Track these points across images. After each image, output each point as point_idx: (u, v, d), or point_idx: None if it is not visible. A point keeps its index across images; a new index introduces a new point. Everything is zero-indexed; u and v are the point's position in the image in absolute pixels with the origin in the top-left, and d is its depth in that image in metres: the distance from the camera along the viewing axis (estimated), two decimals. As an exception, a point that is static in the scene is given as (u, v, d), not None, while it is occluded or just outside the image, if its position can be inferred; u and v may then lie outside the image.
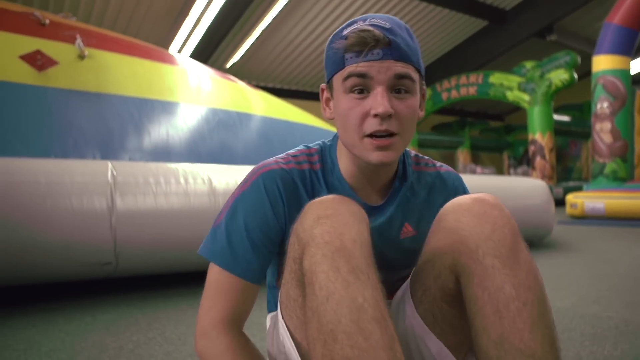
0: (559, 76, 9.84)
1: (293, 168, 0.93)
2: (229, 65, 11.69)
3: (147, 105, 3.76)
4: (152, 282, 2.75)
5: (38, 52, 3.34)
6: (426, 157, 1.08)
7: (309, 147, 1.00)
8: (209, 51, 10.65)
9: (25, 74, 3.24)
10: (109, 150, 3.35)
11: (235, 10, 9.06)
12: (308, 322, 0.72)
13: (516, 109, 16.62)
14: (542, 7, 10.50)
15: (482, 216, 0.80)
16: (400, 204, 0.99)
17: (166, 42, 10.37)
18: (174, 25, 9.86)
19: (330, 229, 0.74)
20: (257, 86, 11.07)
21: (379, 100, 0.80)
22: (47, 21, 3.63)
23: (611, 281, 2.62)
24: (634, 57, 7.62)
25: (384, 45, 0.80)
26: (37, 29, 3.54)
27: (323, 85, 0.94)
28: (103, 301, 2.37)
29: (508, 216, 0.81)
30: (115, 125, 3.48)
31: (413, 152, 1.06)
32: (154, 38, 9.80)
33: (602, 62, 7.27)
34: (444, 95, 12.32)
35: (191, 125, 3.93)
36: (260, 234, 0.88)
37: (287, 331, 0.86)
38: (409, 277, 0.95)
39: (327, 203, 0.78)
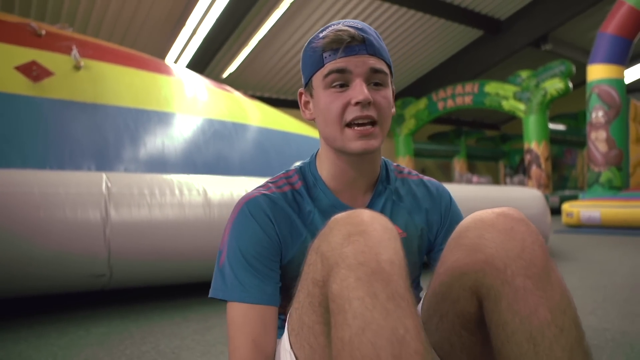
0: (554, 85, 9.89)
1: (275, 192, 0.94)
2: (225, 75, 11.71)
3: (143, 115, 3.76)
4: (146, 294, 2.73)
5: (34, 63, 3.34)
6: (408, 168, 1.09)
7: (287, 171, 1.01)
8: (205, 61, 10.66)
9: (20, 85, 3.24)
10: (105, 161, 3.34)
11: (231, 21, 9.09)
12: (337, 356, 0.64)
13: (512, 118, 16.69)
14: (537, 17, 10.58)
15: (509, 232, 0.74)
16: (386, 206, 0.99)
17: (163, 52, 10.38)
18: (171, 35, 9.88)
19: (365, 248, 0.66)
20: (254, 96, 11.08)
21: (358, 89, 0.85)
22: (43, 32, 3.64)
23: (607, 292, 2.61)
24: (628, 66, 7.66)
25: (359, 41, 0.86)
26: (33, 39, 3.54)
27: (301, 89, 0.98)
28: (96, 314, 2.35)
29: (536, 232, 0.76)
30: (111, 136, 3.48)
31: (395, 163, 1.08)
32: (151, 48, 9.82)
33: (596, 72, 7.31)
34: (440, 105, 12.35)
35: (187, 136, 3.93)
36: (258, 256, 0.87)
37: None
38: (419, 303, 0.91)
39: (357, 218, 0.71)
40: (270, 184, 0.96)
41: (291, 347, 0.80)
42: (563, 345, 0.68)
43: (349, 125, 0.87)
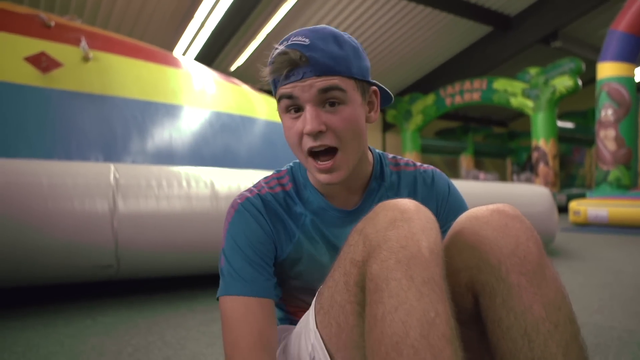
0: (563, 83, 9.82)
1: (267, 193, 0.94)
2: (233, 68, 11.71)
3: (151, 108, 3.77)
4: (153, 285, 2.74)
5: (43, 54, 3.35)
6: (405, 158, 1.06)
7: (279, 171, 1.00)
8: (213, 54, 10.67)
9: (29, 76, 3.25)
10: (112, 152, 3.36)
11: (240, 14, 9.08)
12: (369, 332, 0.67)
13: (520, 115, 16.60)
14: (547, 13, 10.48)
15: (503, 229, 0.75)
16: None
17: (171, 45, 10.39)
18: (179, 28, 9.89)
19: (408, 234, 0.69)
20: (261, 90, 11.09)
21: (307, 119, 0.80)
22: (53, 23, 3.64)
23: (614, 290, 2.60)
24: (638, 64, 7.60)
25: (303, 63, 0.79)
26: (42, 30, 3.55)
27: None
28: (103, 304, 2.37)
29: (531, 228, 0.77)
30: (119, 128, 3.49)
31: (391, 155, 1.05)
32: (159, 40, 9.82)
33: (606, 69, 7.25)
34: (448, 101, 12.30)
35: (194, 129, 3.94)
36: (256, 251, 0.88)
37: (320, 341, 0.80)
38: None
39: (403, 206, 0.73)
40: (262, 184, 0.96)
41: (317, 326, 0.81)
42: (557, 340, 0.69)
43: (310, 155, 0.84)
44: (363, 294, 0.72)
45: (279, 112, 0.88)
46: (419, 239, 0.68)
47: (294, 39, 0.82)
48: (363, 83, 0.87)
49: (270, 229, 0.91)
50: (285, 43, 0.83)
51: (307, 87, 0.80)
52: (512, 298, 0.72)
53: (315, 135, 0.81)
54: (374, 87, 0.91)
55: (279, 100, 0.84)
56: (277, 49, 0.83)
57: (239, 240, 0.88)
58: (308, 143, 0.82)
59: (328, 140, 0.81)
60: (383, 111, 13.92)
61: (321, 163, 0.83)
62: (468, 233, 0.78)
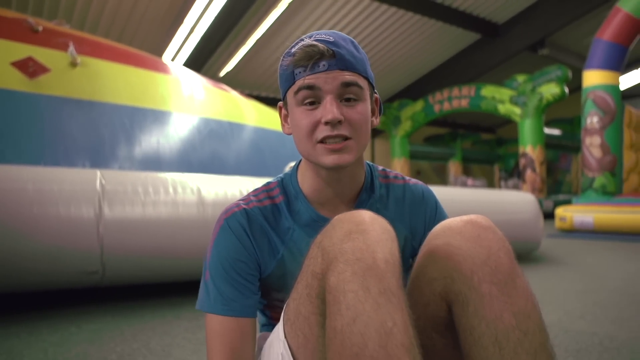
0: (550, 90, 9.92)
1: (255, 207, 0.94)
2: (222, 73, 11.70)
3: (139, 113, 3.76)
4: (139, 292, 2.73)
5: (30, 59, 3.34)
6: (394, 171, 1.07)
7: (269, 183, 1.01)
8: (202, 59, 10.65)
9: (16, 81, 3.23)
10: (100, 158, 3.34)
11: (230, 19, 9.08)
12: (329, 344, 0.68)
13: (507, 121, 16.74)
14: (535, 21, 10.62)
15: (476, 240, 0.78)
16: None
17: (160, 50, 10.36)
18: (169, 33, 9.87)
19: (363, 246, 0.70)
20: (251, 95, 11.06)
21: (328, 108, 0.83)
22: (40, 28, 3.63)
23: (598, 296, 2.63)
24: (623, 72, 7.70)
25: (329, 57, 0.83)
26: (29, 35, 3.54)
27: (280, 103, 0.97)
28: (88, 311, 2.35)
29: (503, 239, 0.79)
30: (107, 134, 3.48)
31: (380, 167, 1.06)
32: (148, 45, 9.80)
33: (592, 77, 7.34)
34: (436, 107, 12.38)
35: (182, 135, 3.93)
36: (238, 270, 0.89)
37: (288, 351, 0.83)
38: None
39: (358, 217, 0.75)
40: (251, 197, 0.97)
41: (285, 336, 0.83)
42: (527, 348, 0.71)
43: (321, 141, 0.85)
44: (325, 305, 0.73)
45: (290, 105, 0.89)
46: (374, 250, 0.70)
47: (318, 36, 0.86)
48: (372, 87, 0.92)
49: (254, 248, 0.92)
50: (307, 39, 0.86)
51: (330, 79, 0.83)
52: (484, 307, 0.74)
53: (335, 124, 0.83)
54: (377, 95, 0.95)
55: (296, 92, 0.86)
56: (300, 41, 0.86)
57: (222, 259, 0.89)
58: (324, 132, 0.84)
59: (344, 130, 0.84)
60: (372, 117, 13.94)
61: (332, 144, 0.84)
62: (442, 243, 0.81)
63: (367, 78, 0.89)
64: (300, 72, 0.85)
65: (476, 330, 0.74)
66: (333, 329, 0.67)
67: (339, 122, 0.83)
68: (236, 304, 0.87)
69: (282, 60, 0.89)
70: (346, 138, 0.85)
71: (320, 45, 0.83)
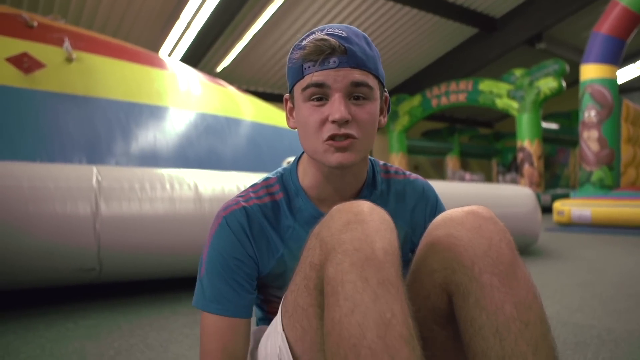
0: (547, 84, 9.92)
1: (254, 204, 0.92)
2: (219, 69, 11.67)
3: (136, 109, 3.75)
4: (136, 288, 2.72)
5: (25, 55, 3.32)
6: (395, 166, 1.06)
7: (268, 179, 0.99)
8: (199, 55, 10.62)
9: (11, 77, 3.22)
10: (96, 154, 3.33)
11: (226, 14, 9.05)
12: (327, 335, 0.67)
13: (505, 116, 16.75)
14: (532, 15, 10.61)
15: (477, 230, 0.77)
16: None
17: (156, 45, 10.33)
18: (165, 28, 9.83)
19: (362, 236, 0.70)
20: (247, 90, 11.04)
21: (336, 107, 0.81)
22: (35, 23, 3.61)
23: (596, 289, 2.64)
24: (621, 66, 7.70)
25: (340, 53, 0.81)
26: (24, 31, 3.52)
27: (286, 95, 0.94)
28: (86, 307, 2.35)
29: (504, 230, 0.78)
30: (103, 129, 3.47)
31: (382, 162, 1.05)
32: (145, 41, 9.76)
33: (589, 71, 7.34)
34: (434, 102, 12.37)
35: (179, 130, 3.92)
36: (235, 269, 0.88)
37: (286, 343, 0.82)
38: None
39: (357, 208, 0.74)
40: (251, 194, 0.95)
41: (283, 329, 0.83)
42: (528, 339, 0.70)
43: (327, 139, 0.83)
44: (323, 297, 0.72)
45: (297, 99, 0.87)
46: (372, 240, 0.69)
47: (331, 30, 0.83)
48: (382, 87, 0.90)
49: (252, 247, 0.90)
50: (319, 33, 0.83)
51: (340, 77, 0.81)
52: (485, 298, 0.73)
53: (342, 123, 0.81)
54: (387, 94, 0.94)
55: (304, 88, 0.83)
56: (312, 34, 0.84)
57: (219, 258, 0.88)
58: (331, 130, 0.82)
59: (351, 129, 0.82)
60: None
61: (338, 142, 0.82)
62: (443, 234, 0.80)
63: (377, 77, 0.87)
64: (309, 67, 0.82)
65: (477, 321, 0.73)
66: (331, 320, 0.67)
67: (347, 121, 0.82)
68: (231, 304, 0.87)
69: (292, 52, 0.87)
70: (353, 137, 0.83)
71: (332, 40, 0.80)
